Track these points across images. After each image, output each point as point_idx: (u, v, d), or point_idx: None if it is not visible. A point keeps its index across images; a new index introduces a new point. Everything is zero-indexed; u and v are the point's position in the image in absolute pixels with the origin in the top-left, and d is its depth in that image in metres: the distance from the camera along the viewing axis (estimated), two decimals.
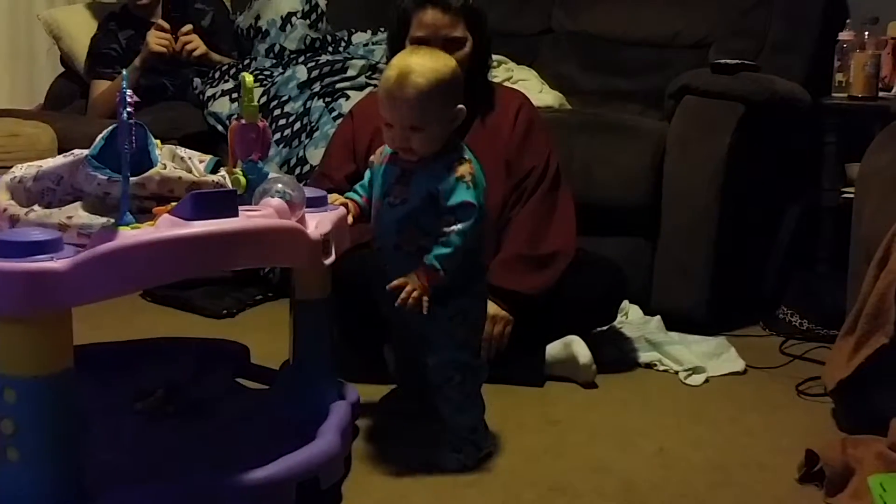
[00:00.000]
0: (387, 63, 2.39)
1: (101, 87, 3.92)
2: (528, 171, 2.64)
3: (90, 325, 2.26)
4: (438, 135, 2.00)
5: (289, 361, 2.16)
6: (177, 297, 3.23)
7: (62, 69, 4.33)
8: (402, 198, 2.02)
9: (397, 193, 2.03)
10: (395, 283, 1.98)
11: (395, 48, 2.53)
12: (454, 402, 2.10)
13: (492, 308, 2.44)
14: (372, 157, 2.16)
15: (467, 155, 2.03)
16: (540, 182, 2.64)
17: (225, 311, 3.17)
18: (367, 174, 2.17)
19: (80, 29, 4.13)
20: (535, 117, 2.73)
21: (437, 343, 2.07)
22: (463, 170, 2.00)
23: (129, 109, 1.63)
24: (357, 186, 2.18)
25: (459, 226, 1.97)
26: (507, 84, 3.36)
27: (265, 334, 2.64)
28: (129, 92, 1.64)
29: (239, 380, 2.39)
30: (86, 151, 1.79)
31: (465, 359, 2.09)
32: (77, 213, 1.72)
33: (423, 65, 1.96)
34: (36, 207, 1.77)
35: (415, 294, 1.96)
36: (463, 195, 1.98)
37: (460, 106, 2.01)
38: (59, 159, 1.84)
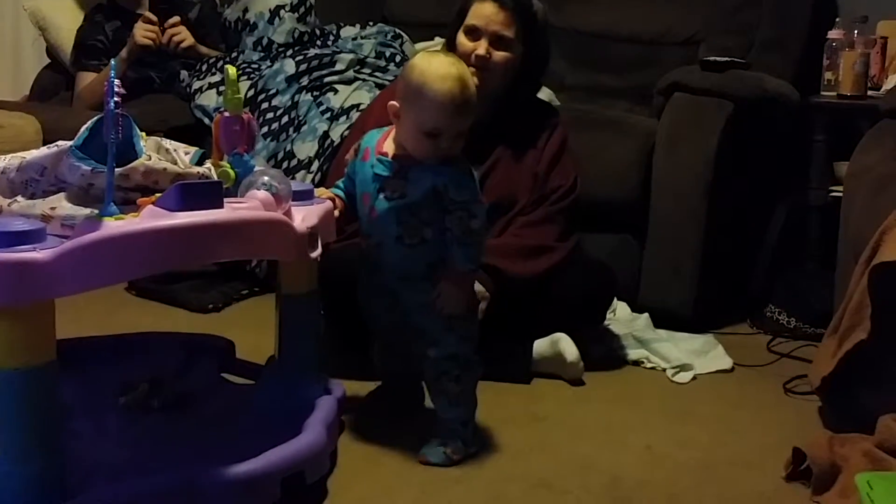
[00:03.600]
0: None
1: (86, 78, 3.89)
2: (556, 188, 2.68)
3: (73, 319, 2.24)
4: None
5: (274, 356, 2.14)
6: (161, 290, 3.21)
7: (48, 60, 4.30)
8: (400, 192, 2.02)
9: (394, 188, 2.03)
10: (436, 299, 2.03)
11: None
12: (450, 395, 2.10)
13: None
14: (347, 155, 2.17)
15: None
16: (563, 198, 2.68)
17: (210, 306, 3.15)
18: (346, 170, 2.17)
19: (66, 20, 4.10)
20: (566, 139, 2.76)
21: (440, 337, 2.08)
22: (467, 164, 2.02)
23: (115, 99, 1.62)
24: (339, 182, 2.17)
25: (478, 223, 2.01)
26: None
27: (251, 329, 2.62)
28: (116, 82, 1.63)
29: (224, 374, 2.37)
30: (70, 142, 1.78)
31: (466, 352, 2.10)
32: (60, 204, 1.71)
33: (465, 71, 2.00)
34: (19, 198, 1.76)
35: (455, 297, 2.03)
36: (474, 189, 2.02)
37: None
38: (44, 150, 1.83)
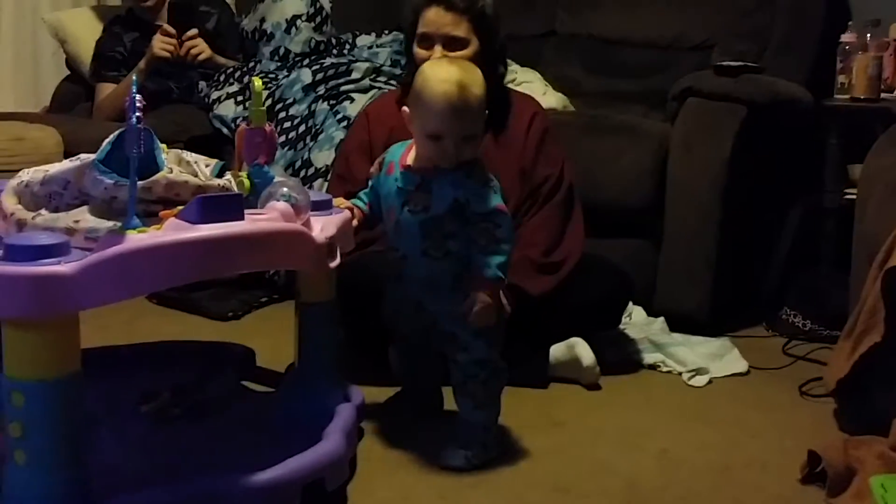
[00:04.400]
0: (409, 62, 2.59)
1: (106, 89, 3.93)
2: (544, 179, 2.67)
3: (96, 327, 2.27)
4: (481, 142, 2.07)
5: (294, 364, 2.17)
6: (182, 299, 3.24)
7: (67, 72, 4.34)
8: (424, 205, 2.05)
9: (417, 201, 2.05)
10: (468, 312, 2.03)
11: (407, 45, 2.66)
12: (476, 399, 2.13)
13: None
14: (372, 168, 2.19)
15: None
16: (556, 190, 2.67)
17: (230, 314, 3.18)
18: (371, 183, 2.19)
19: (85, 32, 4.15)
20: (550, 125, 2.76)
21: (470, 343, 2.10)
22: (487, 175, 2.05)
23: (137, 114, 1.64)
24: (361, 194, 2.20)
25: (504, 232, 2.03)
26: (511, 87, 3.37)
27: (271, 337, 2.65)
28: (138, 97, 1.65)
29: (244, 382, 2.40)
30: (93, 156, 1.80)
31: (494, 357, 2.12)
32: (84, 217, 1.73)
33: (469, 76, 2.02)
34: (43, 212, 1.78)
35: (488, 310, 2.03)
36: (495, 200, 2.03)
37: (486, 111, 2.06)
38: (66, 164, 1.85)
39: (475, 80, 2.02)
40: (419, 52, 2.60)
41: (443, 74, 2.01)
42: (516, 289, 2.51)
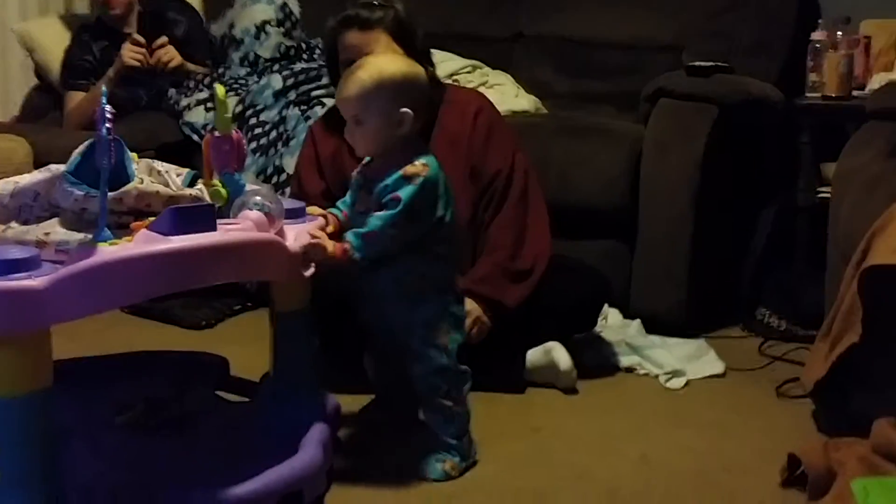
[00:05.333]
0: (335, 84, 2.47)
1: (75, 98, 3.89)
2: (494, 174, 2.63)
3: (67, 338, 2.23)
4: (382, 135, 2.02)
5: (269, 373, 2.15)
6: (154, 308, 3.21)
7: (36, 81, 4.30)
8: (366, 206, 2.04)
9: (362, 201, 2.06)
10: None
11: (331, 72, 2.65)
12: (442, 411, 2.11)
13: (475, 309, 2.46)
14: (355, 171, 2.18)
15: (424, 160, 2.03)
16: (509, 185, 2.64)
17: (203, 322, 3.16)
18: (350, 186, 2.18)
19: (54, 41, 4.10)
20: (496, 118, 2.73)
21: (420, 351, 2.08)
22: (411, 169, 2.00)
23: (108, 125, 1.62)
24: (339, 202, 2.18)
25: (381, 212, 1.98)
26: (481, 89, 3.36)
27: (244, 345, 2.63)
28: (108, 107, 1.63)
29: (219, 392, 2.38)
30: (62, 167, 1.78)
31: (448, 364, 2.09)
32: (54, 230, 1.71)
33: (374, 63, 2.04)
34: (13, 224, 1.76)
35: (320, 250, 1.93)
36: (400, 190, 1.98)
37: (404, 110, 2.01)
38: (36, 175, 1.83)
39: (373, 68, 2.02)
40: None
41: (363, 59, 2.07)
42: (493, 302, 2.51)
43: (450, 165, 2.17)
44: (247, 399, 2.33)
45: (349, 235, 1.98)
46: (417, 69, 2.07)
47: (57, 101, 4.07)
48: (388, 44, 2.53)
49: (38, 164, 2.91)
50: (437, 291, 2.08)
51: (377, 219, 1.97)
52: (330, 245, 1.94)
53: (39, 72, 4.23)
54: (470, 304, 2.42)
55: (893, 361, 2.17)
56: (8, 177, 1.88)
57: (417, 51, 2.57)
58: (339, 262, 1.95)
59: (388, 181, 1.99)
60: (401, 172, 1.99)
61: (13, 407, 1.54)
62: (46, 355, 1.58)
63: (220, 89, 2.02)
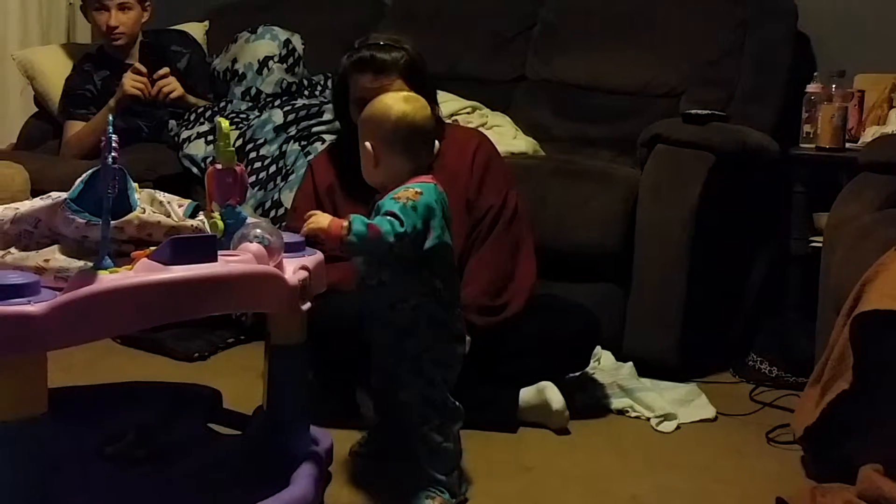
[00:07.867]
0: (340, 120, 2.65)
1: (74, 127, 3.91)
2: (487, 209, 2.66)
3: (59, 367, 2.22)
4: (396, 168, 2.07)
5: (262, 406, 2.15)
6: (147, 339, 3.21)
7: (35, 109, 4.32)
8: None
9: None
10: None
11: (337, 107, 2.70)
12: (432, 444, 2.10)
13: None
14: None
15: (419, 187, 2.04)
16: (495, 222, 2.66)
17: (196, 354, 3.15)
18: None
19: (55, 69, 4.13)
20: (494, 155, 2.76)
21: (407, 379, 2.09)
22: (404, 193, 2.03)
23: (113, 154, 1.63)
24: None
25: (391, 220, 1.97)
26: (482, 129, 3.38)
27: (237, 378, 2.63)
28: (114, 137, 1.64)
29: (211, 425, 2.37)
30: (64, 194, 1.80)
31: (436, 397, 2.09)
32: (54, 257, 1.72)
33: (382, 100, 2.10)
34: (13, 250, 1.77)
35: (313, 227, 1.99)
36: (398, 209, 1.99)
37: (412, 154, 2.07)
38: (37, 202, 1.84)
39: (389, 100, 2.09)
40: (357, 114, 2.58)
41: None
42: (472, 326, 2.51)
43: (449, 201, 2.19)
44: (239, 432, 2.33)
45: (354, 218, 1.98)
46: (423, 110, 2.11)
47: (56, 130, 4.09)
48: (401, 86, 2.55)
49: (36, 191, 2.92)
50: (428, 326, 2.08)
51: (386, 221, 1.98)
52: (326, 220, 1.98)
53: (39, 100, 4.25)
54: None
55: (881, 409, 2.18)
56: (4, 203, 1.89)
57: (427, 91, 2.61)
58: (331, 239, 1.98)
59: (381, 201, 2.03)
60: (393, 196, 2.02)
61: (7, 432, 1.54)
62: (42, 381, 1.58)
63: (223, 122, 2.03)
